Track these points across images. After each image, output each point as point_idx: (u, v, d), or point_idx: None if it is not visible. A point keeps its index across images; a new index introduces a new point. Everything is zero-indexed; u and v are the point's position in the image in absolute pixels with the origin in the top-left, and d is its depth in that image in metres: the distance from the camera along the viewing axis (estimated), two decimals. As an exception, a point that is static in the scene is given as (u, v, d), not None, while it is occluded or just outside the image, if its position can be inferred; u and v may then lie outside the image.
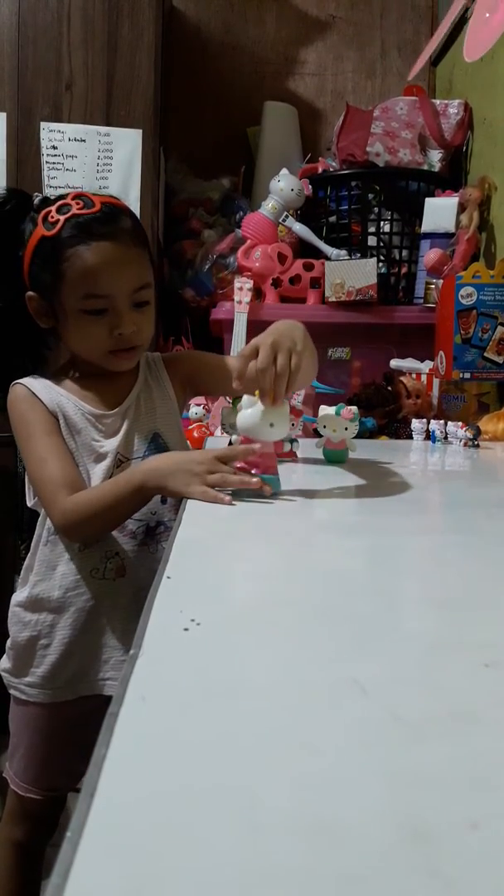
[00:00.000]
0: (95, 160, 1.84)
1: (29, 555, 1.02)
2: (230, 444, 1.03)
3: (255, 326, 1.80)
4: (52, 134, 1.83)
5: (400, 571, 0.58)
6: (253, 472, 0.79)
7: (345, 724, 0.31)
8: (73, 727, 0.95)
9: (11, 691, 1.01)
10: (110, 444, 0.97)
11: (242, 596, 0.51)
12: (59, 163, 1.84)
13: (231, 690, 0.34)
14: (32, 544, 1.01)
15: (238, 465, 0.80)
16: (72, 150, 1.84)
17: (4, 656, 1.03)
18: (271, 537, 0.67)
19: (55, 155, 1.84)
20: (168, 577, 0.50)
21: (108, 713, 0.31)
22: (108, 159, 1.84)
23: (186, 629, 0.40)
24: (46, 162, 1.83)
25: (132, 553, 0.97)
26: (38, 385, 0.98)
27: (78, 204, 0.94)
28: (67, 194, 0.97)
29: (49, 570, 0.98)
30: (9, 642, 1.02)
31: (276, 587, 0.53)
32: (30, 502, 1.02)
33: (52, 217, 0.94)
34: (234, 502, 0.74)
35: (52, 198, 0.99)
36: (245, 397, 0.80)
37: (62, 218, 0.93)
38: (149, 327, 0.99)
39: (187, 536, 0.63)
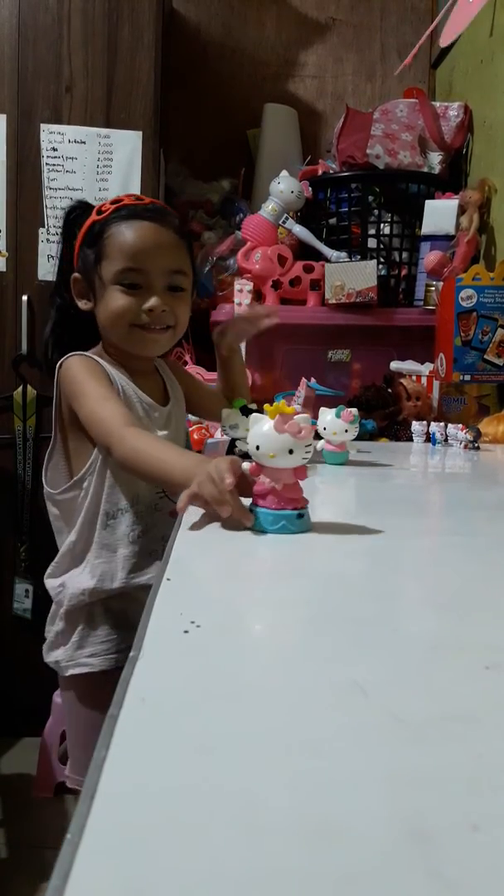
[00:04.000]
0: (95, 162, 1.84)
1: (72, 539, 1.02)
2: (232, 449, 1.04)
3: (255, 328, 1.80)
4: (52, 136, 1.83)
5: (400, 573, 0.58)
6: (274, 506, 0.64)
7: (345, 726, 0.31)
8: None
9: (71, 671, 1.02)
10: (162, 435, 1.03)
11: (242, 598, 0.51)
12: (59, 164, 1.84)
13: (231, 692, 0.34)
14: (79, 526, 1.01)
15: (256, 500, 0.66)
16: (72, 152, 1.84)
17: (57, 646, 1.04)
18: (270, 539, 0.67)
19: (55, 157, 1.84)
20: (168, 580, 0.50)
21: (108, 715, 0.31)
22: (108, 161, 1.84)
23: (186, 631, 0.40)
24: (46, 164, 1.83)
25: None
26: (102, 361, 1.01)
27: (130, 198, 1.03)
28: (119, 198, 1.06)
29: (110, 553, 1.01)
30: (63, 630, 1.03)
31: (275, 589, 0.53)
32: (50, 486, 1.04)
33: (105, 207, 1.01)
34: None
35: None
36: (254, 415, 0.65)
37: (112, 206, 1.01)
38: (184, 312, 1.03)
39: (187, 539, 0.63)
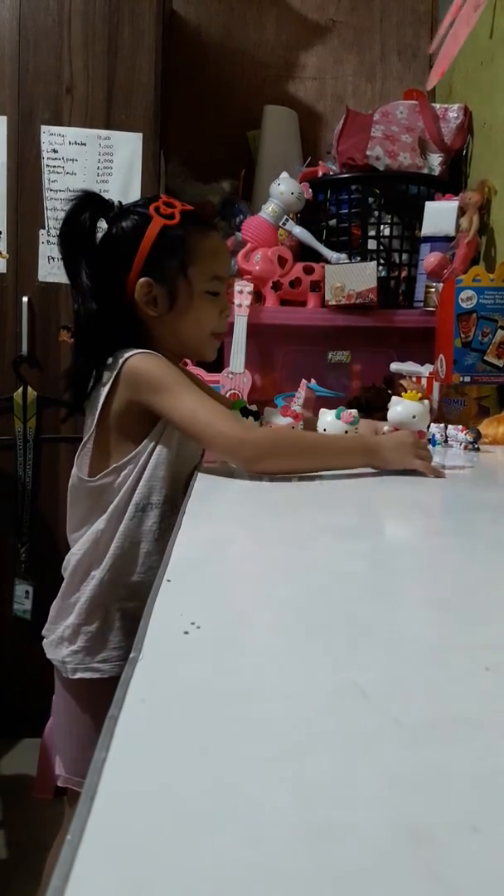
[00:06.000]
0: (96, 163, 1.84)
1: (100, 527, 0.99)
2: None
3: (256, 329, 1.80)
4: (53, 137, 1.83)
5: (400, 574, 0.58)
6: None
7: (345, 728, 0.31)
8: None
9: (81, 675, 1.00)
10: None
11: (242, 599, 0.51)
12: (59, 166, 1.84)
13: (231, 693, 0.34)
14: (108, 514, 0.99)
15: None
16: (72, 154, 1.84)
17: (65, 643, 1.01)
18: (271, 540, 0.67)
19: (55, 158, 1.84)
20: (168, 580, 0.50)
21: (108, 716, 0.31)
22: (108, 163, 1.85)
23: (186, 632, 0.40)
24: (47, 165, 1.83)
25: None
26: None
27: (178, 202, 1.02)
28: (155, 196, 1.04)
29: (133, 545, 0.99)
30: (75, 626, 1.00)
31: (275, 590, 0.53)
32: (84, 473, 1.01)
33: (165, 210, 1.00)
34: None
35: (132, 202, 1.05)
36: (394, 399, 1.00)
37: (175, 210, 1.00)
38: None
39: (188, 539, 0.63)
